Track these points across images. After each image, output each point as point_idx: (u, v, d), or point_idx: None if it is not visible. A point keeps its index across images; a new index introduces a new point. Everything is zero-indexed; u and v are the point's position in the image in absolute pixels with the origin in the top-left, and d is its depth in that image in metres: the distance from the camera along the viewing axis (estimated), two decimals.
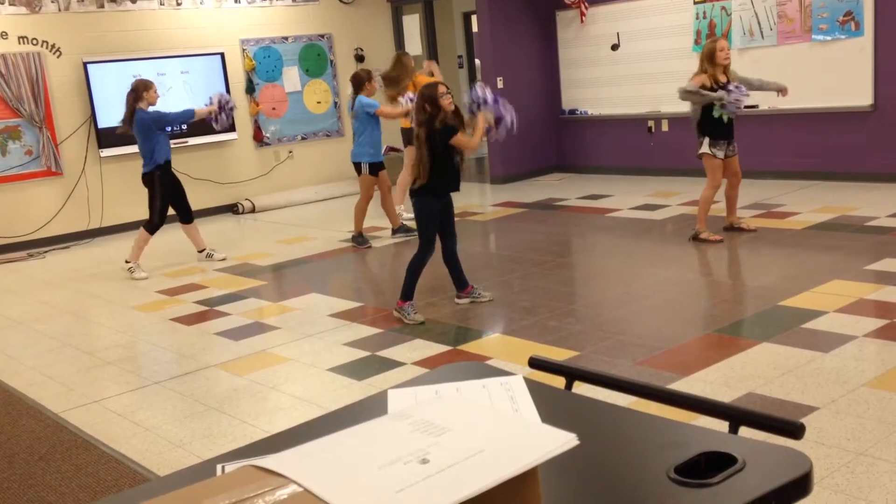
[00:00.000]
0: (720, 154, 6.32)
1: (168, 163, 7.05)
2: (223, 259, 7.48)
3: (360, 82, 7.45)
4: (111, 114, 9.24)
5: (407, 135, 7.93)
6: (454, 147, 5.03)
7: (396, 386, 1.43)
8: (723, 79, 6.25)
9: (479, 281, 5.71)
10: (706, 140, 6.31)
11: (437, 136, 4.96)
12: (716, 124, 6.27)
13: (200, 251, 7.57)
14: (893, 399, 3.42)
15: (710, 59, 6.24)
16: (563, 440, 0.85)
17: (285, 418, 3.84)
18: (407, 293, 5.22)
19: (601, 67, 10.17)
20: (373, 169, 7.45)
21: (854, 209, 7.06)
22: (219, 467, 1.18)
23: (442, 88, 5.02)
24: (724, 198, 6.64)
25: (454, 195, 5.25)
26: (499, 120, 5.24)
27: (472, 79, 14.19)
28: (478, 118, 5.15)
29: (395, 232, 7.79)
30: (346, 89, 11.09)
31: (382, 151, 7.63)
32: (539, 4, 10.51)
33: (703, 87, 6.20)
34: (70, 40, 9.11)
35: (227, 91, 10.07)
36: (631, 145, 10.08)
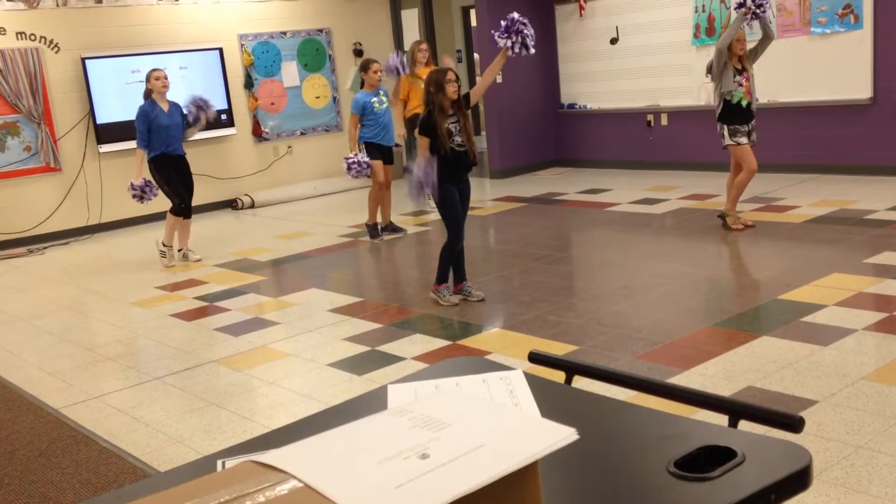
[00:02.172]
0: (743, 140, 6.37)
1: (160, 157, 7.08)
2: (198, 260, 7.44)
3: (363, 70, 7.55)
4: (110, 109, 9.25)
5: (410, 124, 7.90)
6: (439, 132, 5.04)
7: (396, 381, 1.43)
8: (738, 67, 6.32)
9: (478, 276, 5.72)
10: (725, 130, 6.38)
11: (426, 119, 5.10)
12: (734, 111, 6.34)
13: (179, 250, 7.51)
14: (893, 392, 3.42)
15: (728, 50, 6.30)
16: (562, 434, 0.85)
17: (285, 413, 3.85)
18: (441, 277, 5.33)
19: (600, 61, 10.16)
20: (371, 153, 7.46)
21: (853, 202, 7.06)
22: (219, 463, 1.18)
23: (451, 75, 5.07)
24: (727, 187, 6.65)
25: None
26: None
27: (471, 74, 14.20)
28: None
29: (382, 230, 7.71)
30: (345, 84, 11.13)
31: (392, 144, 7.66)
32: None
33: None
34: (68, 36, 9.09)
35: (227, 90, 10.06)
36: (630, 139, 10.07)
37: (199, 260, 7.43)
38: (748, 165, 6.40)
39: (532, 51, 5.27)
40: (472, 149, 5.20)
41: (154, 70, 7.10)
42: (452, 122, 5.08)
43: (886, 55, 7.85)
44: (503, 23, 5.18)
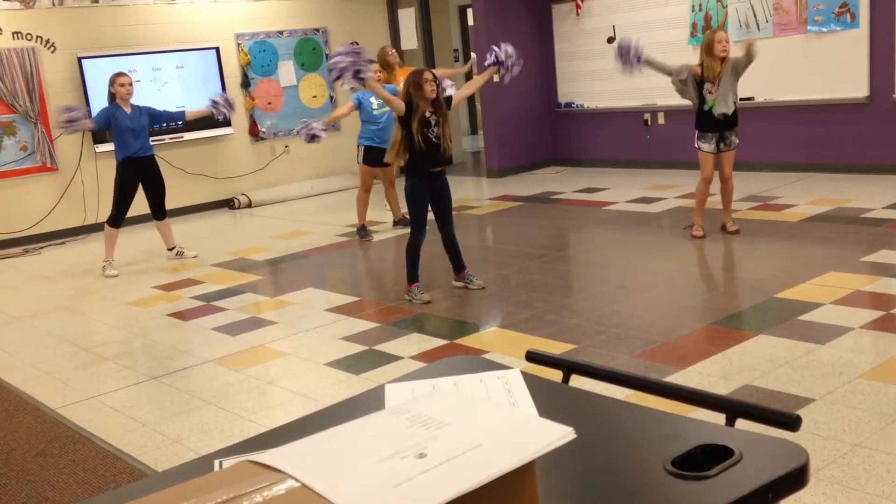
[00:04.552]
0: (706, 147, 6.32)
1: (127, 160, 7.04)
2: (194, 256, 7.47)
3: None
4: None
5: None
6: (419, 126, 5.18)
7: (394, 380, 1.43)
8: (719, 70, 6.22)
9: (477, 274, 5.71)
10: (696, 133, 6.37)
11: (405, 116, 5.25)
12: (704, 117, 6.28)
13: (170, 249, 7.54)
14: (889, 390, 3.43)
15: (708, 51, 6.22)
16: (560, 434, 0.85)
17: (282, 413, 3.84)
18: (410, 276, 5.45)
19: (597, 60, 10.16)
20: (367, 157, 7.48)
21: (850, 201, 7.07)
22: (216, 462, 1.18)
23: (428, 75, 5.20)
24: (720, 192, 6.63)
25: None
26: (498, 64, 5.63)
27: (467, 72, 14.17)
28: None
29: (395, 223, 7.89)
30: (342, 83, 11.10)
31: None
32: None
33: (695, 76, 6.23)
34: (64, 35, 9.08)
35: (224, 89, 10.05)
36: (627, 138, 10.08)
37: (195, 256, 7.44)
38: (702, 173, 6.34)
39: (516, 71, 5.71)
40: (447, 146, 5.33)
41: (119, 75, 7.02)
42: (430, 114, 5.22)
43: (883, 54, 7.86)
44: (495, 55, 5.60)
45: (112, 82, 6.99)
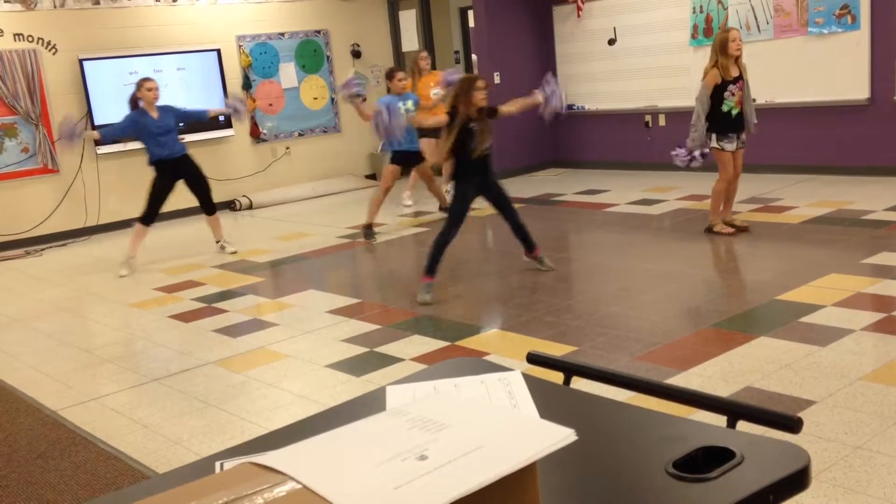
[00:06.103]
0: (730, 147, 6.28)
1: (160, 162, 7.11)
2: (233, 253, 7.58)
3: (388, 78, 7.68)
4: (107, 111, 9.23)
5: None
6: (467, 136, 5.30)
7: (395, 382, 1.43)
8: (734, 72, 6.18)
9: (478, 276, 5.72)
10: (714, 134, 6.28)
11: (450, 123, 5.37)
12: (723, 118, 6.23)
13: (217, 242, 7.70)
14: (891, 392, 3.43)
15: (723, 50, 6.17)
16: (561, 435, 0.85)
17: (283, 415, 3.84)
18: (429, 269, 5.48)
19: (598, 62, 10.16)
20: (395, 159, 7.61)
21: (851, 203, 7.07)
22: (217, 464, 1.18)
23: (480, 84, 5.26)
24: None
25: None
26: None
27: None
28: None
29: (441, 209, 8.00)
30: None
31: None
32: None
33: (716, 84, 6.18)
34: (66, 37, 9.09)
35: (225, 91, 10.05)
36: (628, 140, 10.08)
37: (234, 252, 7.56)
38: (725, 173, 6.30)
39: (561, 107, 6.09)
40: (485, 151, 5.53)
41: (147, 80, 7.06)
42: (473, 125, 5.33)
43: (884, 56, 7.85)
44: (547, 87, 5.93)
45: (139, 87, 7.03)
